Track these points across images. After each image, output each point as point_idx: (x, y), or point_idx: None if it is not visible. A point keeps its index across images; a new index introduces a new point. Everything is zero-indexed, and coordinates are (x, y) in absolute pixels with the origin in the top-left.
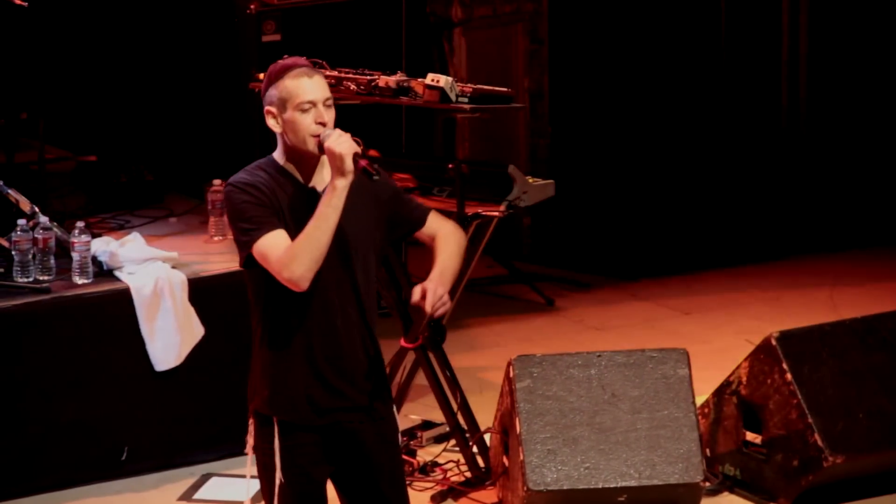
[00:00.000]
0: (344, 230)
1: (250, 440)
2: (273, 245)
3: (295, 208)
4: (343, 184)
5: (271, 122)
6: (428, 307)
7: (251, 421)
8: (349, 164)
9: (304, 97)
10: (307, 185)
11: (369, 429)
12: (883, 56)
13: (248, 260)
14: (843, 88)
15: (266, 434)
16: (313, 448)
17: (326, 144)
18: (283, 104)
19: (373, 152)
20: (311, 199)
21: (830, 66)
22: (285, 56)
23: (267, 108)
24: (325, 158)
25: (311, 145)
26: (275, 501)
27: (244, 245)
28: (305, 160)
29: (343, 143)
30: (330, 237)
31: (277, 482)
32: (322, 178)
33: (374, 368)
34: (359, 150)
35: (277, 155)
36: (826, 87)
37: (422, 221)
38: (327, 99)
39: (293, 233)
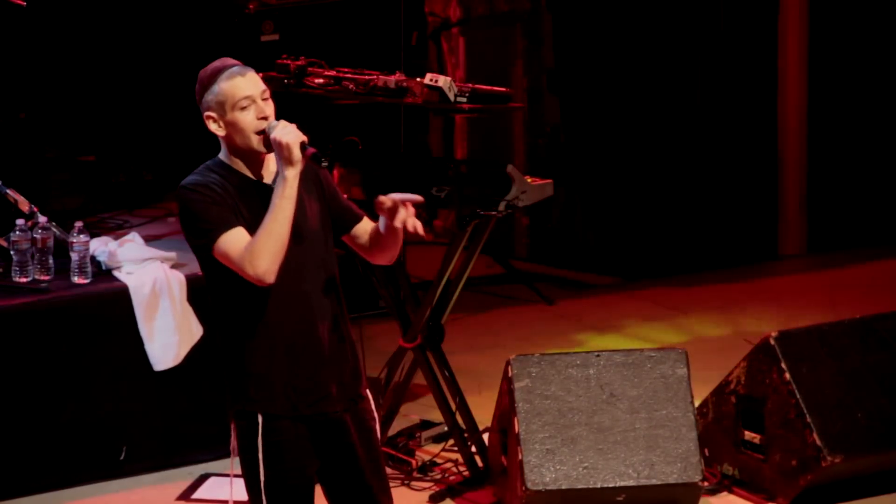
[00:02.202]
0: (301, 219)
1: (234, 442)
2: (233, 243)
3: (249, 204)
4: (293, 173)
5: (213, 127)
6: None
7: (233, 425)
8: (297, 153)
9: (241, 94)
10: (257, 180)
11: (350, 417)
12: (882, 64)
13: (210, 262)
14: (843, 91)
15: (251, 433)
16: (301, 442)
17: (273, 136)
18: (221, 107)
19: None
20: (263, 193)
21: (830, 72)
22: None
23: (206, 114)
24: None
25: (256, 141)
26: (262, 501)
27: (203, 247)
28: (252, 156)
29: (289, 133)
30: (288, 228)
31: (262, 480)
32: (270, 171)
33: (348, 351)
34: (305, 138)
35: (223, 156)
36: (826, 88)
37: (360, 216)
38: (264, 92)
39: (251, 229)
